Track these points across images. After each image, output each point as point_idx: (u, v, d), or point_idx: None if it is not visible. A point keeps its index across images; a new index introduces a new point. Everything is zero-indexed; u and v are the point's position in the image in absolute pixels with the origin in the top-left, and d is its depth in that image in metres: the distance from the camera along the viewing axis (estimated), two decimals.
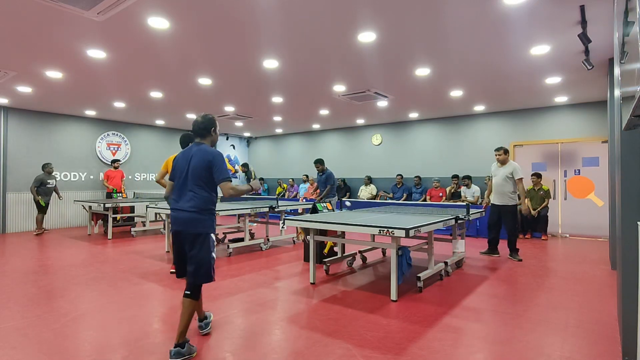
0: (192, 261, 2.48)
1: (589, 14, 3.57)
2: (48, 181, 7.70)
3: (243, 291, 3.89)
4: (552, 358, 2.43)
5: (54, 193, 7.98)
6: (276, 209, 6.21)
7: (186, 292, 2.48)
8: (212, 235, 2.56)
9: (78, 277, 4.39)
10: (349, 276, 4.52)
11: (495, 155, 5.57)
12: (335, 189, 6.97)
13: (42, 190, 7.64)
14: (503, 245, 6.10)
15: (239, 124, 10.29)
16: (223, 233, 7.23)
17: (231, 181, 2.51)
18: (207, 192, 2.53)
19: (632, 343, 2.23)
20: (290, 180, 11.66)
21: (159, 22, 3.74)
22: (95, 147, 9.43)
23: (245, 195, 3.43)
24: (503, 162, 5.53)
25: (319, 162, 6.85)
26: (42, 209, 7.66)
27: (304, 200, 10.03)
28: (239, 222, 7.49)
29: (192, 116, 9.07)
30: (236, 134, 12.64)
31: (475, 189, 8.23)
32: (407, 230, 3.28)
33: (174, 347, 2.36)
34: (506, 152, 5.53)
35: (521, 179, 5.39)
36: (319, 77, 5.68)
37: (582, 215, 7.53)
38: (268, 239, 6.40)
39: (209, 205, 2.54)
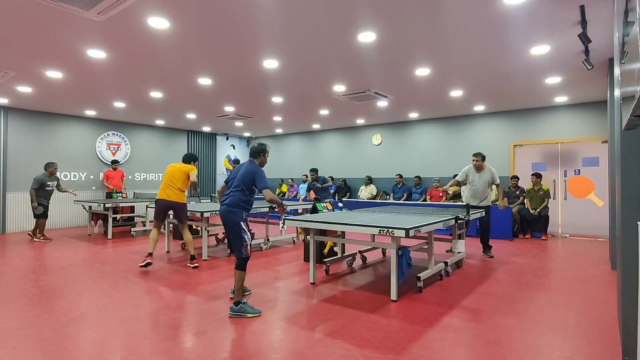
0: (230, 242, 3.40)
1: (589, 14, 3.57)
2: (48, 183, 6.90)
3: None
4: (551, 358, 2.43)
5: (53, 196, 7.36)
6: (276, 209, 6.21)
7: (235, 265, 3.31)
8: (242, 223, 3.33)
9: (78, 277, 4.39)
10: (349, 276, 4.52)
11: (473, 160, 5.58)
12: (326, 189, 7.40)
13: (42, 193, 6.86)
14: (497, 246, 6.09)
15: (239, 124, 10.29)
16: (223, 233, 7.23)
17: (269, 189, 3.34)
18: (243, 194, 3.36)
19: (632, 343, 2.23)
20: (290, 180, 11.66)
21: (159, 22, 3.74)
22: (95, 147, 9.43)
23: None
24: (480, 168, 5.55)
25: (314, 171, 7.60)
26: (42, 214, 6.85)
27: (306, 199, 10.02)
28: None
29: (192, 116, 9.07)
30: (236, 134, 12.65)
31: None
32: (407, 230, 3.28)
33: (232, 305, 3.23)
34: (484, 158, 5.55)
35: (499, 183, 5.54)
36: (319, 77, 5.67)
37: (582, 215, 7.53)
38: (268, 239, 6.40)
39: (241, 203, 3.34)
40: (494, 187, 8.05)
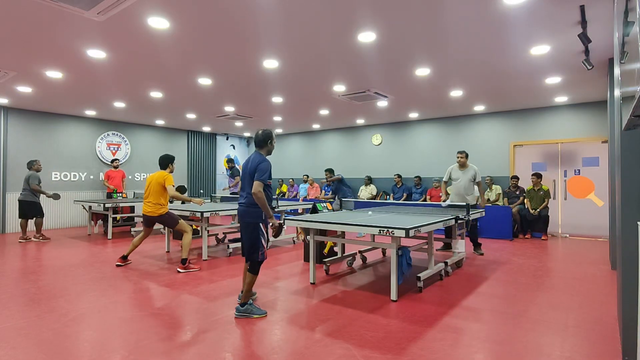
0: (246, 244, 3.22)
1: (589, 14, 3.57)
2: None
3: None
4: (552, 358, 2.43)
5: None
6: (276, 209, 6.21)
7: (248, 267, 3.21)
8: (261, 224, 3.19)
9: (78, 277, 4.39)
10: (349, 276, 4.52)
11: (458, 157, 5.76)
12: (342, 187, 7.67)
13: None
14: (497, 246, 6.09)
15: (239, 124, 10.29)
16: (223, 233, 7.23)
17: (263, 185, 3.10)
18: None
19: (632, 343, 2.23)
20: (290, 180, 11.67)
21: (159, 22, 3.74)
22: (95, 147, 9.43)
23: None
24: (463, 165, 5.74)
25: (330, 171, 7.65)
26: (39, 213, 6.90)
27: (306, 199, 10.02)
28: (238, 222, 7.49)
29: (192, 116, 9.07)
30: (236, 134, 12.64)
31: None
32: (407, 230, 3.28)
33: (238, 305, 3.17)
34: (467, 155, 5.73)
35: (480, 181, 5.75)
36: (319, 77, 5.67)
37: (582, 215, 7.53)
38: (268, 239, 6.39)
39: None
40: (494, 187, 8.10)
